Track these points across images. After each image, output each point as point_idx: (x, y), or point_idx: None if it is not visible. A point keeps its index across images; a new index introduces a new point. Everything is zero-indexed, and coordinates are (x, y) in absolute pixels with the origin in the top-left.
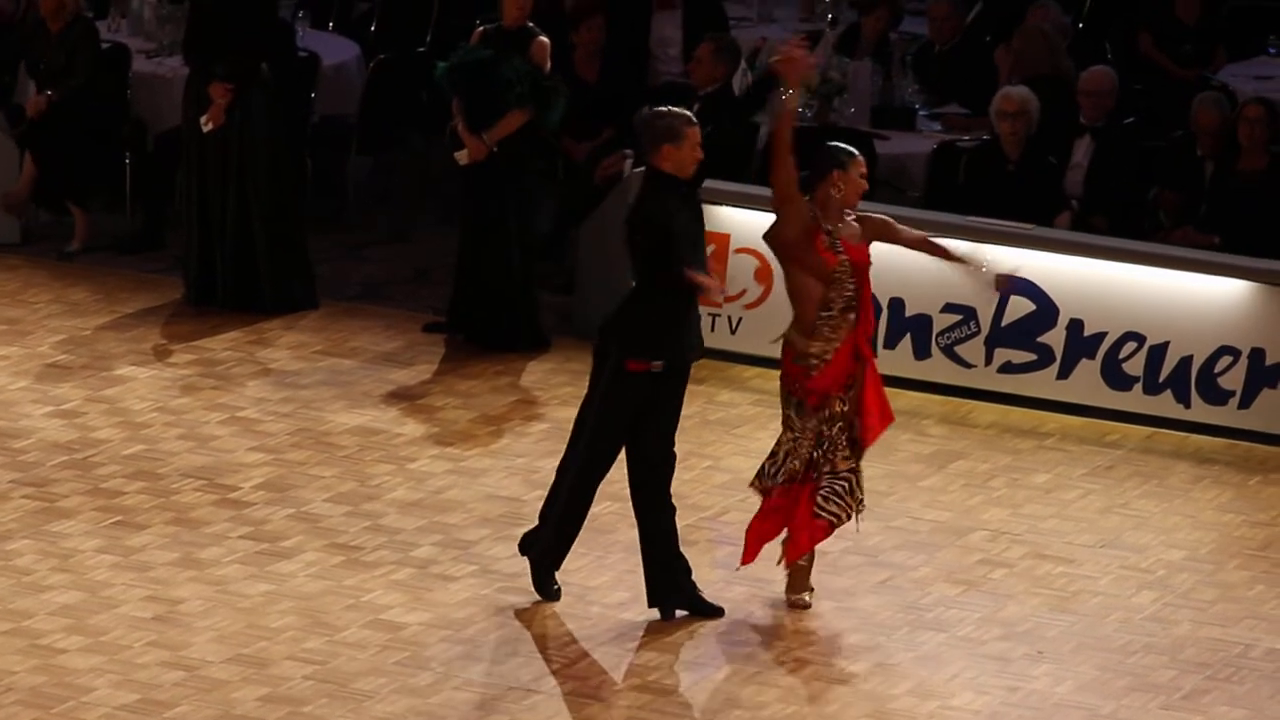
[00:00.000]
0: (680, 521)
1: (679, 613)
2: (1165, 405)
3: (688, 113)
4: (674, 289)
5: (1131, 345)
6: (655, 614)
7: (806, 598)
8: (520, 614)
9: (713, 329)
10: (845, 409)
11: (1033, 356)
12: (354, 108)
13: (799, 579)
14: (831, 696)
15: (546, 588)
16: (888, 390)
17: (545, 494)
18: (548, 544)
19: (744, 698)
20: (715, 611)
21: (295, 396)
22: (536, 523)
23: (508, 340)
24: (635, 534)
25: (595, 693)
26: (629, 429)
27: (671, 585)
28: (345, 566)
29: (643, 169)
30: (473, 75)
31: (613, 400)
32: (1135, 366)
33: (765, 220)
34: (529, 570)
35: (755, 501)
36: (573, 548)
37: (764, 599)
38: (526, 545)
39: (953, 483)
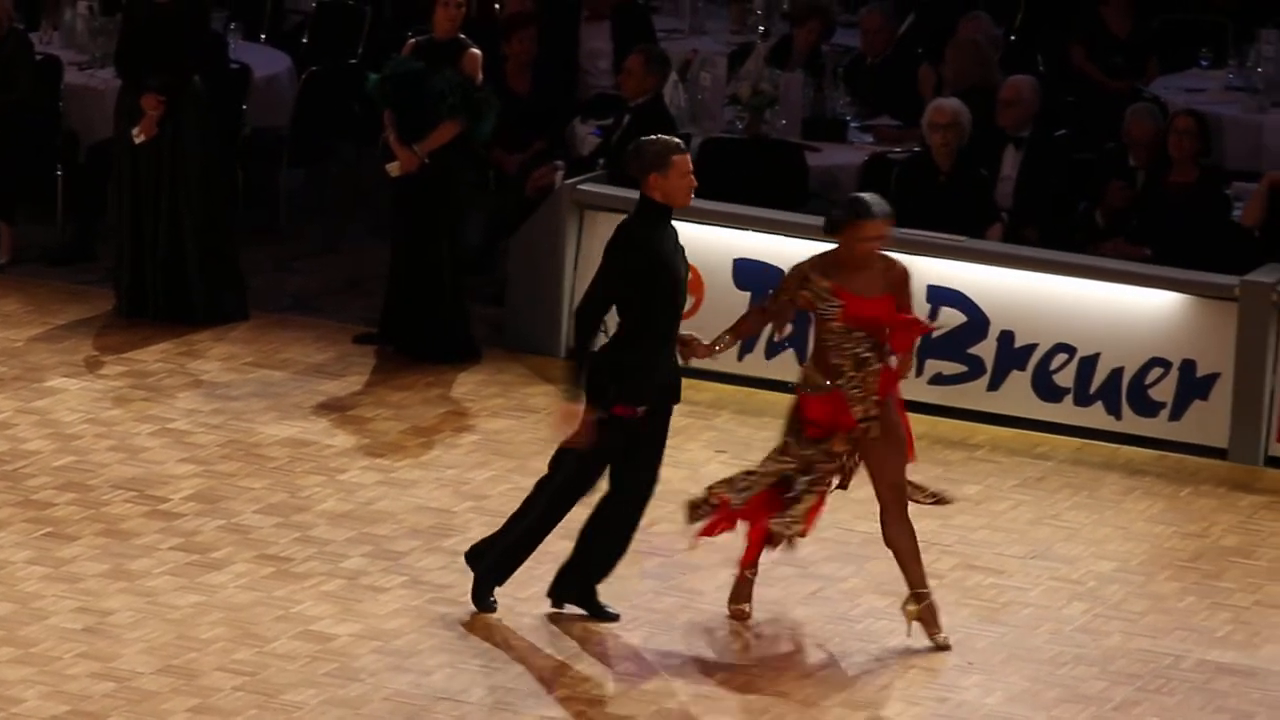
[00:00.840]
0: None
1: (572, 609)
2: (1096, 417)
3: (677, 140)
4: (650, 330)
5: (1062, 357)
6: (587, 626)
7: (746, 608)
8: (450, 625)
9: None
10: (846, 450)
11: (963, 368)
12: (286, 119)
13: (742, 589)
14: (761, 707)
15: (484, 601)
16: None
17: (476, 504)
18: (495, 561)
19: (674, 710)
20: (610, 617)
21: (226, 408)
22: (486, 534)
23: (439, 352)
24: (565, 545)
25: (525, 705)
26: (608, 466)
27: (580, 589)
28: (275, 578)
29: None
30: (404, 87)
31: (599, 441)
32: (1066, 378)
33: (691, 230)
34: (472, 582)
35: (672, 515)
36: None
37: (695, 610)
38: (474, 557)
39: None
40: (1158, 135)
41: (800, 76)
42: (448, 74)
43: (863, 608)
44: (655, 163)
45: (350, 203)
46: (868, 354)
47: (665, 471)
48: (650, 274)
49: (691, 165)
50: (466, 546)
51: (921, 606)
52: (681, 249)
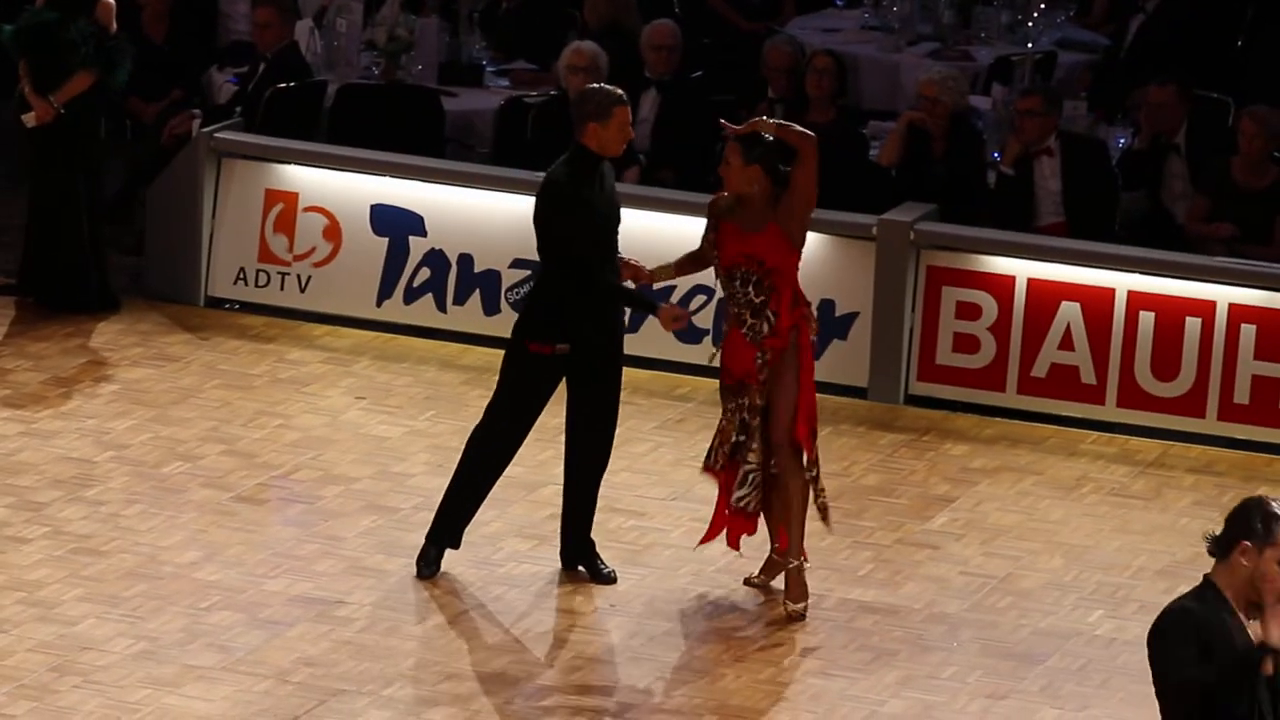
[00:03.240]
0: (250, 480)
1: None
2: None
3: (619, 91)
4: (579, 273)
5: (701, 298)
6: (228, 574)
7: (802, 608)
8: (94, 575)
9: (282, 287)
10: (761, 403)
11: None
12: None
13: (796, 587)
14: (404, 652)
15: (424, 568)
16: (463, 345)
17: (117, 454)
18: (434, 521)
19: (316, 655)
20: (606, 579)
21: None
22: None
23: (77, 302)
24: (206, 494)
25: (169, 654)
26: (529, 412)
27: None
28: None
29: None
30: (38, 37)
31: (509, 378)
32: (705, 319)
33: (327, 176)
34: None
35: (328, 459)
36: (155, 509)
37: (337, 556)
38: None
39: None
40: (796, 63)
41: (436, 21)
42: (81, 24)
43: (504, 551)
44: (597, 113)
45: None
46: (759, 298)
47: (307, 419)
48: (579, 222)
49: (631, 117)
50: (108, 496)
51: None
52: (613, 190)
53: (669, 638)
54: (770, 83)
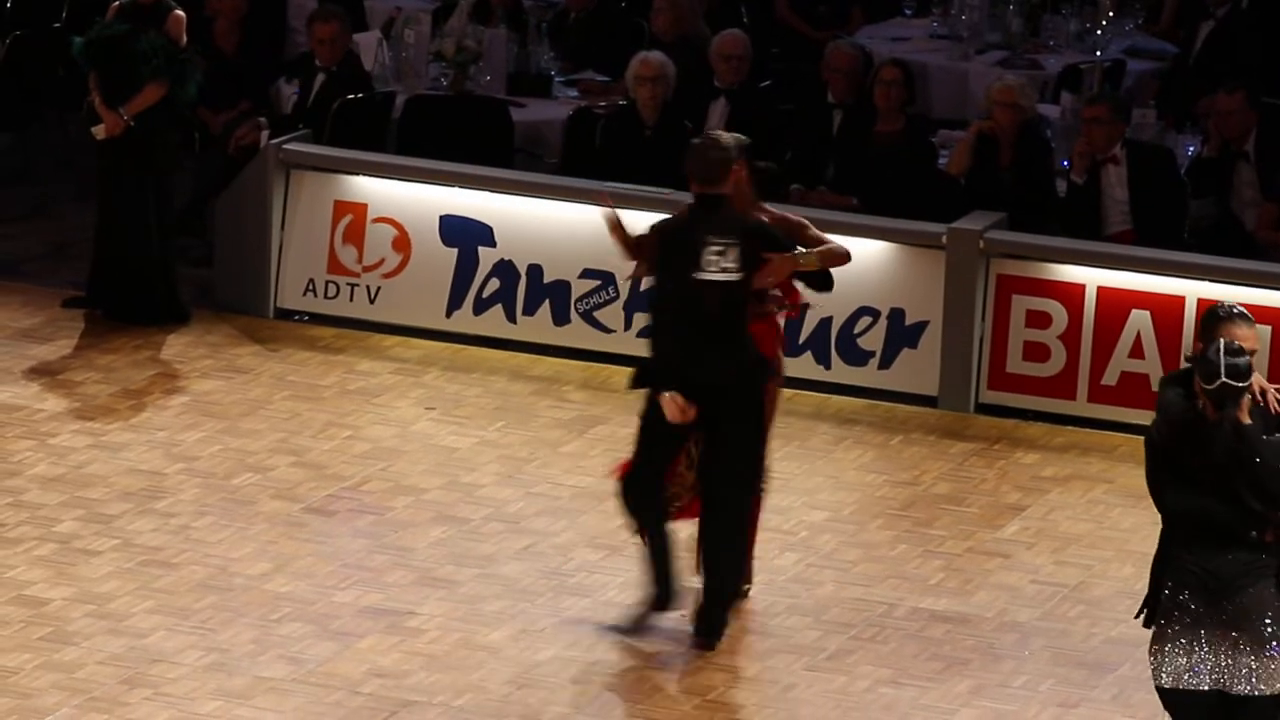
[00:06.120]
0: (320, 491)
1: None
2: (805, 367)
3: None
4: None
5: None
6: (299, 586)
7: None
8: (164, 587)
9: (351, 298)
10: None
11: None
12: None
13: None
14: (475, 662)
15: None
16: (533, 356)
17: (187, 466)
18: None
19: (387, 666)
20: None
21: None
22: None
23: (147, 314)
24: (277, 505)
25: (239, 665)
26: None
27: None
28: None
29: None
30: (109, 49)
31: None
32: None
33: (397, 187)
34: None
35: (398, 470)
36: (225, 521)
37: (408, 567)
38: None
39: (594, 448)
40: (857, 66)
41: (504, 32)
42: (152, 36)
43: (575, 562)
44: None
45: (57, 166)
46: None
47: (376, 430)
48: (653, 255)
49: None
50: (178, 508)
51: None
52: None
53: (739, 647)
54: (830, 85)
